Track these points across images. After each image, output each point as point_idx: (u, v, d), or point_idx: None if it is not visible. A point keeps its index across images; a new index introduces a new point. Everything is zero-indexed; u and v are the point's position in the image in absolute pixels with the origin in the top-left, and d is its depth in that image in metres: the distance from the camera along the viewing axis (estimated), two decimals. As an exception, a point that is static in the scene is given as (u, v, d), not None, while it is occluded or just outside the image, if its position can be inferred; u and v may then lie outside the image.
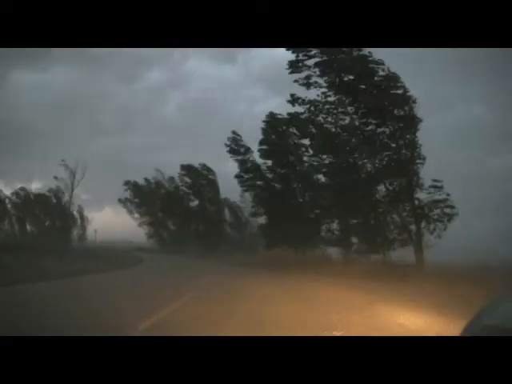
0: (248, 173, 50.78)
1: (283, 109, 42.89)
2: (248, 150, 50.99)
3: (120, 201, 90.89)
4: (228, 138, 52.11)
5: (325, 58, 33.83)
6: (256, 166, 49.53)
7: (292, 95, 36.31)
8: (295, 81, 35.03)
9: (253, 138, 49.06)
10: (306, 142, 40.58)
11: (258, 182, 49.89)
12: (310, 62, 34.37)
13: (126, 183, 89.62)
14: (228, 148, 52.10)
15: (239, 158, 51.44)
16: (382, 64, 32.63)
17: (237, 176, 51.69)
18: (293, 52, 34.35)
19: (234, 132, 52.46)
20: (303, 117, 37.22)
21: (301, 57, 34.34)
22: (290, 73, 35.01)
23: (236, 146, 51.91)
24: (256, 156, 49.49)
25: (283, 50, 34.81)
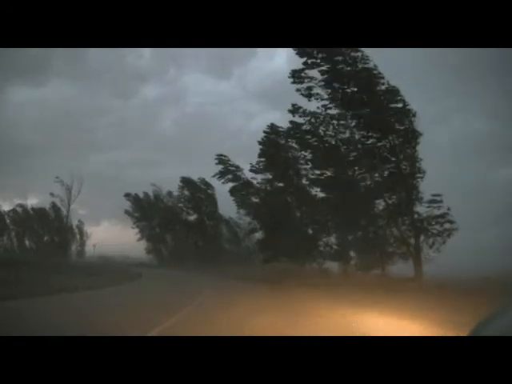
0: (239, 191, 50.96)
1: (280, 122, 43.12)
2: (237, 167, 51.23)
3: (118, 216, 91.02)
4: (216, 161, 52.37)
5: (327, 69, 33.98)
6: (248, 183, 49.69)
7: (293, 105, 36.43)
8: (297, 90, 35.17)
9: (249, 152, 49.14)
10: (306, 154, 40.61)
11: (253, 198, 49.98)
12: (312, 73, 34.56)
13: (127, 195, 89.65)
14: (217, 173, 52.49)
15: (229, 177, 51.66)
16: (383, 78, 32.79)
17: (231, 194, 52.00)
18: (297, 55, 34.48)
19: (218, 155, 52.70)
20: (303, 128, 37.32)
21: (303, 67, 34.50)
22: (292, 83, 35.22)
23: (224, 167, 52.09)
24: (246, 173, 49.78)
25: (280, 63, 35.50)
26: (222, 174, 52.29)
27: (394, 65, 31.81)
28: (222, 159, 52.44)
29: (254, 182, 49.08)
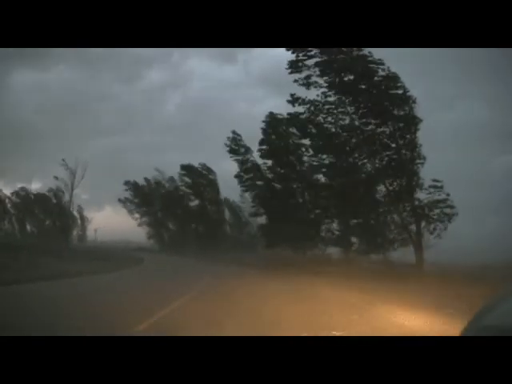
0: (248, 173, 50.61)
1: (283, 109, 42.83)
2: (248, 149, 50.79)
3: (120, 201, 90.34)
4: (228, 138, 51.88)
5: (325, 57, 33.88)
6: (256, 166, 49.37)
7: (292, 95, 36.33)
8: (295, 81, 35.10)
9: (253, 138, 48.92)
10: (306, 142, 40.56)
11: (258, 182, 49.74)
12: (310, 62, 34.46)
13: (126, 183, 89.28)
14: (228, 148, 51.92)
15: (239, 157, 51.21)
16: (382, 64, 32.69)
17: (236, 176, 51.51)
18: (293, 52, 34.40)
19: (233, 132, 52.22)
20: (303, 117, 37.24)
21: (301, 57, 34.37)
22: (290, 73, 35.10)
23: (236, 146, 51.70)
24: (256, 156, 49.46)
25: (283, 49, 34.82)
26: (233, 152, 51.94)
27: (395, 51, 31.53)
28: (235, 137, 52.13)
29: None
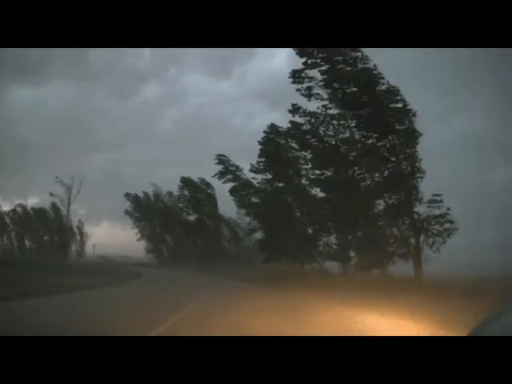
0: (239, 191, 50.94)
1: (281, 122, 43.11)
2: (237, 168, 51.21)
3: (118, 216, 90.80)
4: (215, 162, 52.37)
5: (327, 69, 33.97)
6: (248, 183, 49.67)
7: (293, 105, 36.44)
8: (297, 90, 35.17)
9: (249, 152, 49.09)
10: (305, 154, 40.60)
11: (253, 198, 49.95)
12: (312, 73, 34.55)
13: (127, 195, 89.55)
14: (217, 174, 52.46)
15: (230, 177, 51.64)
16: (383, 78, 32.79)
17: (231, 193, 51.94)
18: (297, 55, 34.48)
19: (218, 155, 52.69)
20: (303, 128, 37.34)
21: (303, 67, 34.50)
22: (292, 83, 35.19)
23: (224, 168, 52.07)
24: (246, 173, 49.78)
25: (280, 63, 35.45)
26: (221, 174, 52.28)
27: (394, 64, 31.92)
28: (221, 159, 52.43)
29: (254, 181, 49.07)
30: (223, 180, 52.36)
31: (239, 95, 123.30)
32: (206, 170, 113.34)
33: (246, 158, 50.46)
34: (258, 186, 48.76)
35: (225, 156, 52.64)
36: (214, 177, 53.57)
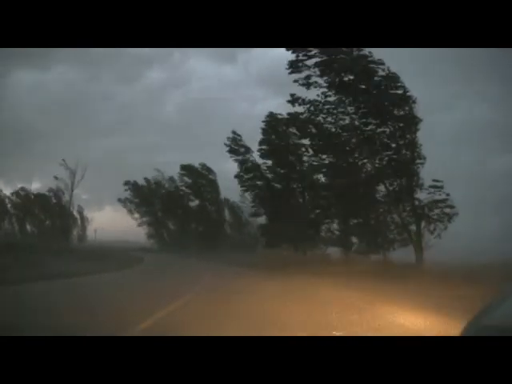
0: (248, 173, 50.65)
1: (283, 109, 43.00)
2: (248, 149, 50.84)
3: (120, 200, 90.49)
4: (228, 138, 51.93)
5: (325, 57, 33.92)
6: (256, 166, 49.44)
7: (292, 95, 36.39)
8: (295, 81, 35.13)
9: (253, 138, 48.97)
10: (306, 141, 40.62)
11: (258, 182, 49.81)
12: (310, 62, 34.54)
13: (126, 183, 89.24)
14: (228, 148, 51.96)
15: (239, 157, 51.30)
16: (382, 64, 32.73)
17: (237, 176, 51.60)
18: (293, 52, 34.46)
19: (233, 132, 52.27)
20: (303, 117, 37.29)
21: (301, 57, 34.42)
22: (290, 73, 35.16)
23: (236, 146, 51.75)
24: (256, 156, 49.51)
25: (283, 49, 34.86)
26: (232, 152, 51.95)
27: (395, 52, 31.57)
28: (235, 138, 52.11)
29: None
30: (233, 157, 52.00)
31: (243, 81, 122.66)
32: (208, 156, 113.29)
33: (250, 144, 50.19)
34: (262, 171, 48.71)
35: (239, 135, 52.39)
36: (226, 147, 52.85)
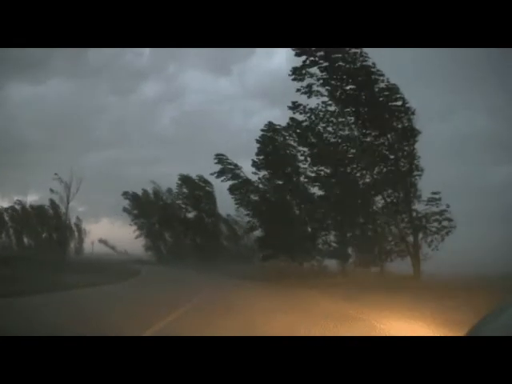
0: (238, 189, 50.87)
1: (280, 120, 43.15)
2: (236, 166, 51.11)
3: (117, 213, 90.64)
4: (214, 161, 52.26)
5: (327, 66, 33.99)
6: (247, 181, 49.64)
7: (293, 102, 36.47)
8: (298, 90, 35.21)
9: (249, 150, 49.09)
10: (304, 152, 40.63)
11: (252, 196, 49.91)
12: (313, 71, 34.56)
13: (125, 193, 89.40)
14: (216, 173, 52.37)
15: (229, 175, 51.59)
16: (383, 75, 32.83)
17: (230, 192, 51.89)
18: (295, 56, 34.54)
19: (216, 155, 52.48)
20: (303, 125, 37.35)
21: (303, 64, 34.49)
22: (293, 80, 35.19)
23: (223, 167, 52.01)
24: (245, 171, 49.78)
25: (279, 61, 35.32)
26: (220, 173, 52.16)
27: (394, 62, 31.83)
28: (220, 158, 52.28)
29: (254, 179, 49.14)
30: (222, 178, 52.27)
31: (238, 93, 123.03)
32: (204, 168, 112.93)
33: (245, 156, 50.64)
34: (257, 183, 48.78)
35: (223, 155, 52.47)
36: (212, 175, 53.38)
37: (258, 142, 44.93)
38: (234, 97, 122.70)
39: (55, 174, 71.41)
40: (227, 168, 51.64)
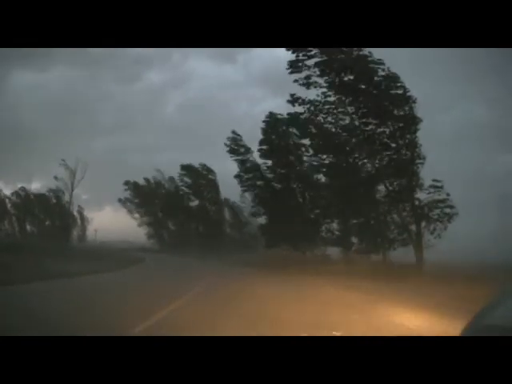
0: (248, 173, 50.61)
1: (283, 109, 43.02)
2: (248, 149, 50.80)
3: (120, 201, 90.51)
4: (228, 138, 51.88)
5: (325, 57, 33.94)
6: (256, 166, 49.40)
7: (292, 95, 36.38)
8: (295, 81, 35.13)
9: (253, 138, 48.96)
10: (306, 141, 40.65)
11: (258, 182, 49.77)
12: (310, 62, 34.54)
13: (126, 183, 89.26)
14: (228, 148, 51.92)
15: (239, 157, 51.22)
16: (382, 64, 32.73)
17: (237, 176, 51.53)
18: (293, 52, 34.46)
19: (233, 132, 52.19)
20: (303, 117, 37.25)
21: (301, 57, 34.42)
22: (290, 73, 35.15)
23: (236, 146, 51.68)
24: (256, 156, 49.50)
25: (283, 50, 34.89)
26: (232, 152, 51.89)
27: (395, 52, 31.59)
28: (235, 137, 52.04)
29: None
30: (233, 158, 51.97)
31: (243, 81, 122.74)
32: (208, 155, 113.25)
33: (250, 144, 50.15)
34: (262, 171, 48.71)
35: (239, 135, 52.33)
36: (226, 151, 52.91)
37: (262, 130, 44.93)
38: (238, 84, 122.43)
39: (62, 159, 71.69)
40: (239, 150, 51.39)
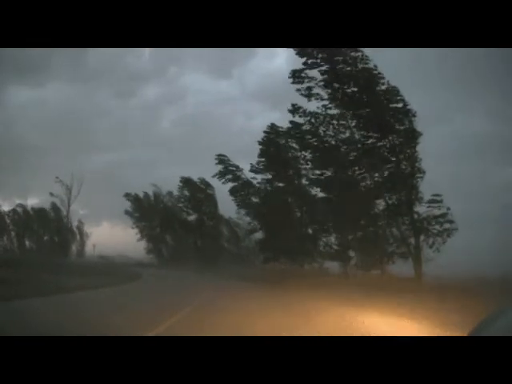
0: (239, 191, 50.99)
1: (280, 123, 43.16)
2: (237, 168, 51.24)
3: (118, 216, 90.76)
4: (215, 161, 52.34)
5: (327, 69, 34.01)
6: (248, 183, 49.75)
7: (293, 105, 36.44)
8: (297, 90, 35.22)
9: (250, 152, 49.13)
10: (305, 154, 40.60)
11: (253, 198, 49.99)
12: (313, 73, 34.58)
13: (127, 195, 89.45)
14: (217, 174, 52.45)
15: (229, 177, 51.65)
16: (383, 78, 32.82)
17: (231, 194, 51.97)
18: (296, 56, 34.57)
19: (218, 155, 52.71)
20: (303, 128, 37.34)
21: (303, 67, 34.54)
22: (292, 83, 35.23)
23: (224, 168, 52.09)
24: (246, 173, 49.84)
25: (280, 63, 35.39)
26: (221, 174, 52.29)
27: (394, 64, 31.96)
28: (221, 159, 52.42)
29: (255, 181, 49.29)
30: (223, 180, 52.50)
31: (239, 95, 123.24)
32: (205, 170, 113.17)
33: (247, 158, 50.61)
34: (258, 185, 48.93)
35: (225, 156, 52.72)
36: (214, 177, 53.93)
37: (260, 143, 45.00)
38: (234, 99, 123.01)
39: (56, 177, 72.08)
40: (228, 169, 51.75)
